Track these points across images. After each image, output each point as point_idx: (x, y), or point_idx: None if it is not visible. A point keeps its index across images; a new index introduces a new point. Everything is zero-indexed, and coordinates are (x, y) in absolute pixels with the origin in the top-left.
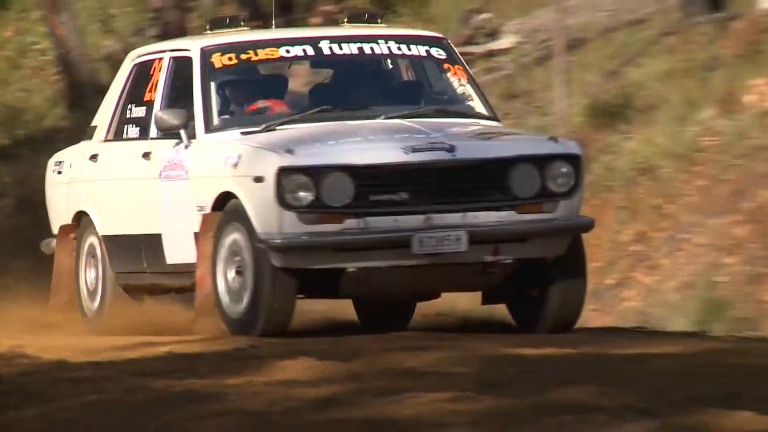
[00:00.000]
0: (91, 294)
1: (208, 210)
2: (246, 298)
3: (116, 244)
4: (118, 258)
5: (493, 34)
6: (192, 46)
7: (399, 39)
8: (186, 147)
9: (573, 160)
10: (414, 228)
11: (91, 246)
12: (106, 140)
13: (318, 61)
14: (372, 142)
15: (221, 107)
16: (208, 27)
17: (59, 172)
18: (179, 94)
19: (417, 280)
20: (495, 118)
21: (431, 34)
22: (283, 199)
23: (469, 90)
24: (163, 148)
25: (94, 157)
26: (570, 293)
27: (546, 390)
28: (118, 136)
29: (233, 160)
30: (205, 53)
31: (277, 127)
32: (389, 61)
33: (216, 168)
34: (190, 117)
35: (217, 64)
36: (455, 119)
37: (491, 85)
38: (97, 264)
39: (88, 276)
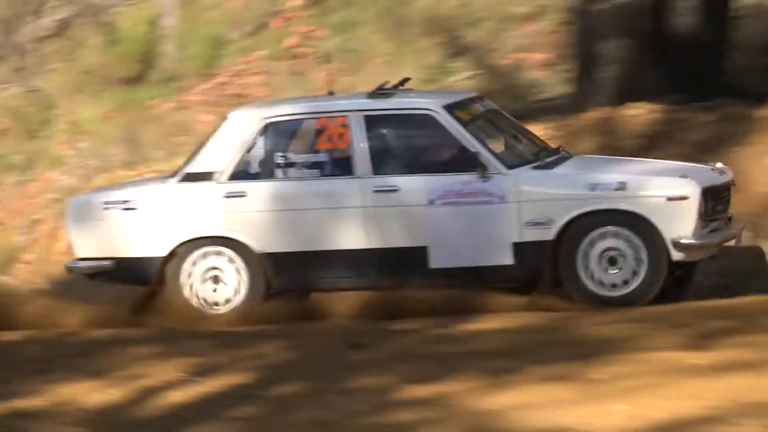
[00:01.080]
0: (214, 304)
1: (558, 225)
2: (636, 283)
3: (285, 260)
4: (283, 269)
5: None
6: (429, 105)
7: None
8: (486, 179)
9: None
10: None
11: (212, 267)
12: (232, 180)
13: None
14: (693, 172)
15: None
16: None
17: (131, 209)
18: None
19: None
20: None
21: None
22: (702, 211)
23: None
24: (418, 184)
25: (238, 194)
26: None
27: None
28: (262, 177)
29: (614, 186)
30: (450, 109)
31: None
32: None
33: (573, 191)
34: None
35: (464, 118)
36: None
37: None
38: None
39: (206, 290)
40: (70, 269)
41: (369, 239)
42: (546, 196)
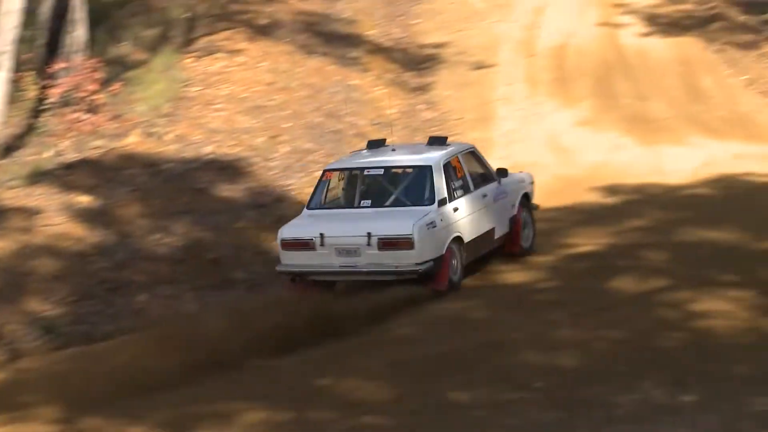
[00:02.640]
0: (455, 271)
1: (517, 204)
2: None
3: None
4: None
5: None
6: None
7: None
8: (499, 185)
9: None
10: None
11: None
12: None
13: None
14: None
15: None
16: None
17: (435, 226)
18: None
19: None
20: None
21: None
22: None
23: None
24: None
25: (456, 209)
26: None
27: None
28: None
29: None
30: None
31: None
32: None
33: (522, 183)
34: None
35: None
36: None
37: None
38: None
39: (455, 263)
40: None
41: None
42: (511, 188)
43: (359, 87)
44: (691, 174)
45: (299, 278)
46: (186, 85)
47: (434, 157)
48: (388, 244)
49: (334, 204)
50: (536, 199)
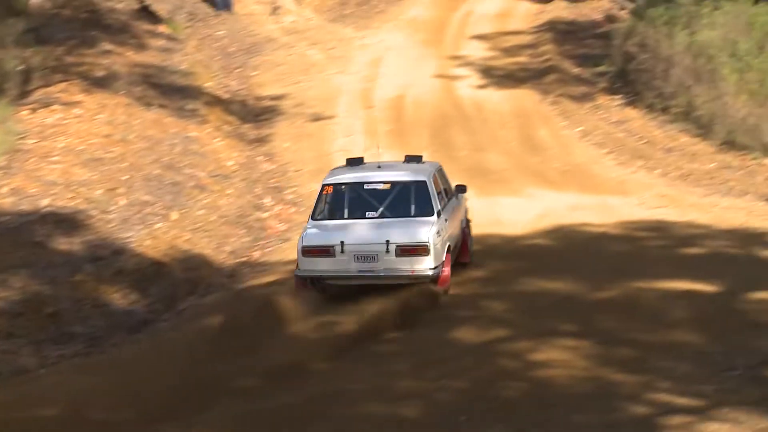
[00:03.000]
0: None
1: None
2: None
3: (454, 252)
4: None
5: None
6: (425, 177)
7: None
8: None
9: None
10: None
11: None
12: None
13: None
14: None
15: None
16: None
17: (440, 235)
18: None
19: None
20: None
21: None
22: None
23: None
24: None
25: (446, 220)
26: None
27: None
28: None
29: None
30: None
31: None
32: None
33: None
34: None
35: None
36: None
37: None
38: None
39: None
40: None
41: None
42: (461, 203)
43: (197, 139)
44: (529, 225)
45: (317, 282)
46: (22, 138)
47: (425, 172)
48: (406, 250)
49: (339, 215)
50: None
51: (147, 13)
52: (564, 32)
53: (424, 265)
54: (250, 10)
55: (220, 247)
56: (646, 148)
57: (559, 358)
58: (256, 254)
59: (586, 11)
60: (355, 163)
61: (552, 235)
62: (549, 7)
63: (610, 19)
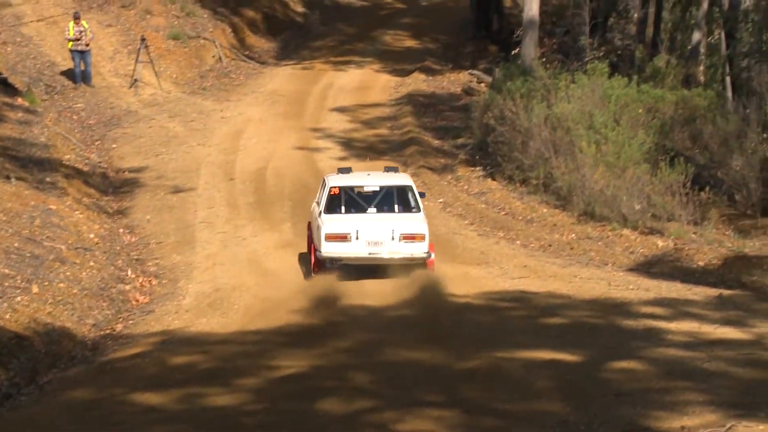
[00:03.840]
0: None
1: None
2: None
3: None
4: None
5: None
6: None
7: None
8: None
9: None
10: None
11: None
12: None
13: None
14: None
15: None
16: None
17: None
18: None
19: None
20: None
21: None
22: None
23: None
24: None
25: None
26: None
27: None
28: None
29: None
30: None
31: None
32: None
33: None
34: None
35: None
36: None
37: None
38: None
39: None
40: None
41: None
42: None
43: (58, 211)
44: (395, 296)
45: (333, 262)
46: None
47: (407, 178)
48: (407, 237)
49: (346, 210)
50: (236, 326)
51: (4, 86)
52: (424, 105)
53: (420, 249)
54: (109, 82)
55: (82, 319)
56: (507, 219)
57: (425, 428)
58: (119, 326)
59: (445, 84)
60: (345, 171)
61: (416, 305)
62: (408, 80)
63: (469, 92)
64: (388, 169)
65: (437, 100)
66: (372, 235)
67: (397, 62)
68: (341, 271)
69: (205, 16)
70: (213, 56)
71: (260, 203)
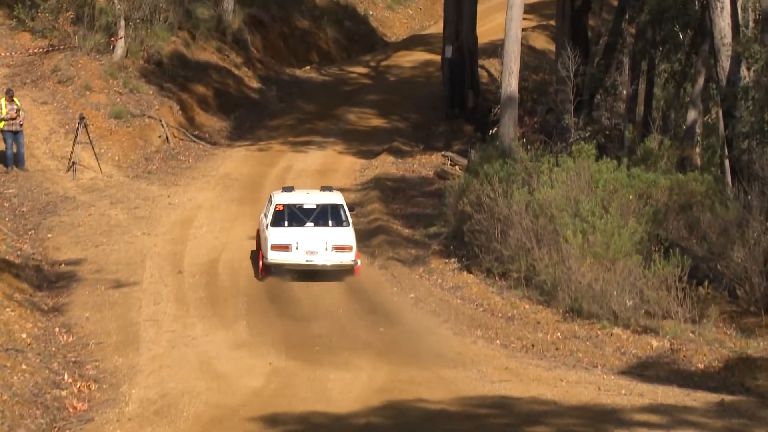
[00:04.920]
0: None
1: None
2: None
3: None
4: None
5: None
6: (341, 201)
7: None
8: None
9: None
10: None
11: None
12: None
13: None
14: None
15: None
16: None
17: (354, 238)
18: None
19: None
20: None
21: None
22: None
23: None
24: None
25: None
26: None
27: None
28: None
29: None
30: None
31: None
32: None
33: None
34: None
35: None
36: None
37: None
38: None
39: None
40: None
41: None
42: None
43: None
44: (360, 401)
45: (277, 267)
46: None
47: (339, 196)
48: (338, 248)
49: (289, 224)
50: None
51: None
52: (392, 189)
53: (348, 258)
54: (44, 165)
55: (12, 429)
56: (485, 316)
57: None
58: None
59: (416, 167)
60: (288, 190)
61: (384, 412)
62: (375, 162)
63: (442, 175)
64: (324, 189)
65: (407, 185)
66: (309, 245)
67: (363, 143)
68: (283, 275)
69: (151, 92)
70: (159, 136)
71: (212, 299)
